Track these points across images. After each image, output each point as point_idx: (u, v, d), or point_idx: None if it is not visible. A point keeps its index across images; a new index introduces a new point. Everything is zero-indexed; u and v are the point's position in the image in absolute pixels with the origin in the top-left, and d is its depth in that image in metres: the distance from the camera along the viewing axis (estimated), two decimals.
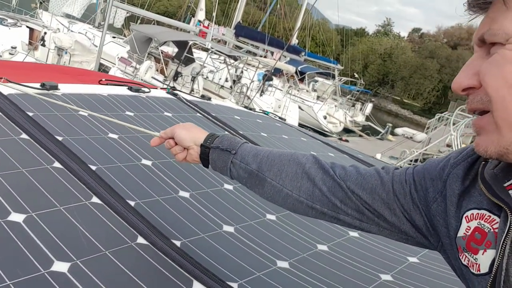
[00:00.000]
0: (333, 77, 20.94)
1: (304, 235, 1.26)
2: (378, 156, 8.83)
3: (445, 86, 41.62)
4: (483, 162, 0.64)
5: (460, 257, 0.64)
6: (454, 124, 10.65)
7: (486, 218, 0.61)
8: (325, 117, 17.29)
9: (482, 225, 0.61)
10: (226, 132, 0.92)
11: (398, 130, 20.71)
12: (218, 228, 1.16)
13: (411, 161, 10.05)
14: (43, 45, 10.64)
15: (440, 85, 41.89)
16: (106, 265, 0.87)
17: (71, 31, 12.67)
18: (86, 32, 12.90)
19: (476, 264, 0.61)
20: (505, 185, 0.59)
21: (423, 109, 41.93)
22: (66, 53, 10.03)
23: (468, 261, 0.62)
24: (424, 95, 42.43)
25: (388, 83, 44.93)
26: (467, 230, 0.63)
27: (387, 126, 18.87)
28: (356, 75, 24.54)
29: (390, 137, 18.26)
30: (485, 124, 0.58)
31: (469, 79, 0.59)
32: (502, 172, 0.61)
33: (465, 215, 0.64)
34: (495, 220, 0.60)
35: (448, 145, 11.16)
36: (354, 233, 1.37)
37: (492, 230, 0.59)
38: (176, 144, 0.95)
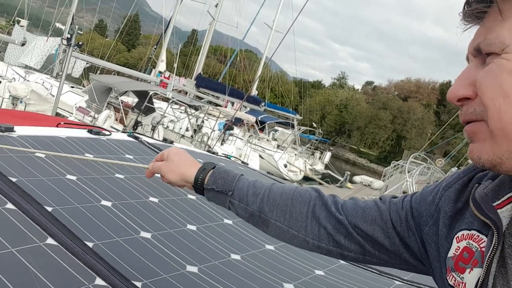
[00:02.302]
0: (293, 126, 21.43)
1: (270, 275, 1.24)
2: None
3: (399, 136, 43.55)
4: (476, 185, 0.65)
5: (447, 278, 0.64)
6: (408, 171, 11.05)
7: (475, 238, 0.61)
8: (285, 166, 17.49)
9: (471, 245, 0.61)
10: (221, 165, 0.91)
11: (356, 178, 21.16)
12: (181, 268, 1.11)
13: None
14: None
15: (393, 134, 43.79)
16: None
17: (28, 80, 12.39)
18: (43, 82, 12.64)
19: (462, 283, 0.61)
20: (494, 204, 0.59)
21: (379, 157, 43.41)
22: (21, 102, 9.74)
23: (455, 280, 0.62)
24: (379, 144, 44.11)
25: (345, 132, 46.49)
26: (456, 250, 0.63)
27: (346, 174, 19.26)
28: (315, 125, 25.27)
29: (349, 184, 18.59)
30: (477, 130, 0.57)
31: (465, 89, 0.58)
32: (492, 192, 0.61)
33: (456, 236, 0.64)
34: (482, 239, 0.60)
35: (404, 192, 11.47)
36: (319, 272, 1.36)
37: (479, 249, 0.60)
38: None
